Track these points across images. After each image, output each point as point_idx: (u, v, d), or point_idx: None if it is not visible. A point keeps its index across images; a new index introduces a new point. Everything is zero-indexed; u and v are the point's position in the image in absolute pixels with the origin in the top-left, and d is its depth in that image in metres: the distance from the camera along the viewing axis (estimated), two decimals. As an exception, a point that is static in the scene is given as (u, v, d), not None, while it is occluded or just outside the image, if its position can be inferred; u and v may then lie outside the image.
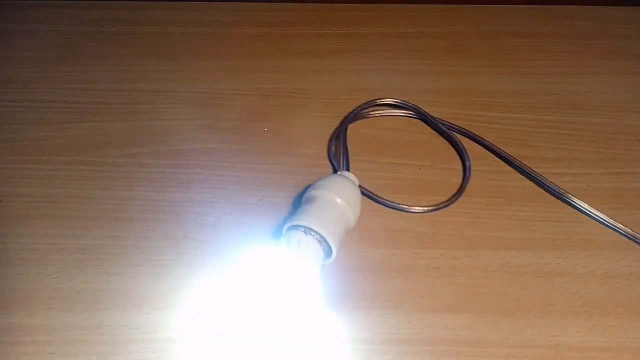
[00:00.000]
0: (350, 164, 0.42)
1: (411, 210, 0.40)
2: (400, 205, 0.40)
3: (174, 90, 0.49)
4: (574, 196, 0.41)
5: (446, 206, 0.41)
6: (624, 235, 0.39)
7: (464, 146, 0.44)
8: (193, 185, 0.42)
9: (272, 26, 0.56)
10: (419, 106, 0.47)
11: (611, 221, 0.40)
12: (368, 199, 0.41)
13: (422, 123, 0.47)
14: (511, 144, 0.45)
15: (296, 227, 0.35)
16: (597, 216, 0.40)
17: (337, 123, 0.46)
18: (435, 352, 0.34)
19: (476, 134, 0.45)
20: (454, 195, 0.41)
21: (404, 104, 0.47)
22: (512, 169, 0.44)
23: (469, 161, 0.43)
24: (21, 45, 0.53)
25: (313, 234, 0.34)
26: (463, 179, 0.42)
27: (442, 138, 0.46)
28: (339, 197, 0.36)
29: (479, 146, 0.45)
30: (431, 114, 0.46)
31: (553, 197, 0.42)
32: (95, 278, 0.36)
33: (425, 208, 0.40)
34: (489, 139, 0.45)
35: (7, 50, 0.53)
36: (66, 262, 0.37)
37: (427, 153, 0.45)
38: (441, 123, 0.46)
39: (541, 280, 0.37)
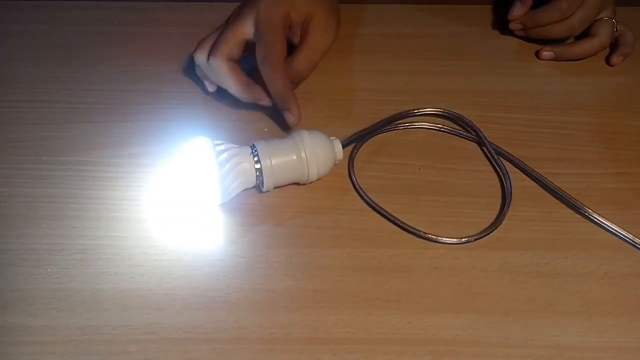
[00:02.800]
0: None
1: (440, 241, 0.39)
2: (428, 235, 0.39)
3: (173, 90, 0.49)
4: (574, 196, 0.41)
5: (478, 239, 0.39)
6: (624, 235, 0.39)
7: (508, 175, 0.42)
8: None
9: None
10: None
11: (611, 222, 0.40)
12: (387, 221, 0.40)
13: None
14: (511, 144, 0.45)
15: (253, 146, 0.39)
16: (597, 216, 0.40)
17: (337, 123, 0.46)
18: (435, 352, 0.34)
19: (476, 132, 0.45)
20: (488, 227, 0.39)
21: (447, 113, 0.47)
22: (512, 169, 0.44)
23: (511, 196, 0.41)
24: (21, 45, 0.53)
25: (255, 153, 0.38)
26: (501, 211, 0.41)
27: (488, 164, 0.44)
28: (304, 152, 0.39)
29: (478, 146, 0.45)
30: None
31: (553, 197, 0.42)
32: (95, 278, 0.36)
33: (455, 240, 0.39)
34: (489, 139, 0.45)
35: (7, 50, 0.53)
36: (66, 262, 0.37)
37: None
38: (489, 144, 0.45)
39: (541, 280, 0.37)
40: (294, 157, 0.39)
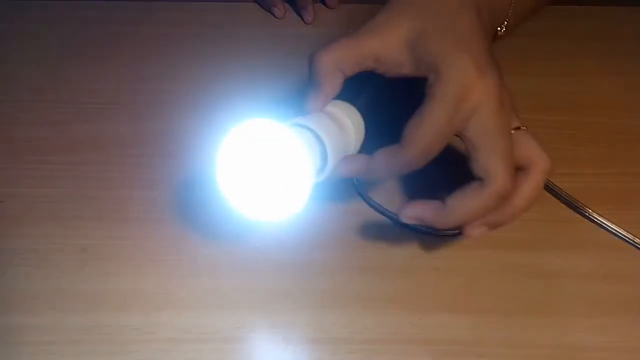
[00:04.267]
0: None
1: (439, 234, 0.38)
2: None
3: (174, 91, 0.49)
4: (574, 196, 0.41)
5: None
6: (624, 235, 0.39)
7: None
8: (193, 185, 0.42)
9: (272, 26, 0.56)
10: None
11: (611, 222, 0.40)
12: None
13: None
14: (511, 144, 0.45)
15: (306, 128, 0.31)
16: (597, 216, 0.40)
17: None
18: (435, 352, 0.34)
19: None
20: None
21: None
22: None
23: None
24: (21, 45, 0.53)
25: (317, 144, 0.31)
26: None
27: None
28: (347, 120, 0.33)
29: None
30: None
31: (553, 197, 0.42)
32: (95, 278, 0.36)
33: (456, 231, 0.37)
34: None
35: (7, 50, 0.53)
36: (66, 262, 0.37)
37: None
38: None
39: (541, 280, 0.37)
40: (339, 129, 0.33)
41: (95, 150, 0.44)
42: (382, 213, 0.40)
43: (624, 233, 0.39)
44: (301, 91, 0.48)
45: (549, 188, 0.42)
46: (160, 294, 0.36)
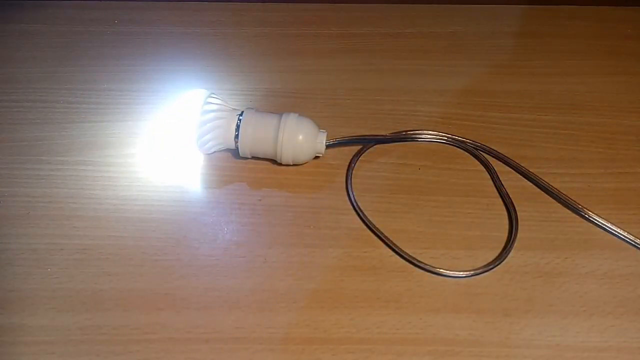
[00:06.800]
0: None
1: (451, 275, 0.37)
2: (438, 270, 0.37)
3: (174, 90, 0.49)
4: (574, 196, 0.41)
5: (490, 269, 0.37)
6: (624, 235, 0.39)
7: (513, 204, 0.41)
8: (193, 185, 0.42)
9: (272, 26, 0.56)
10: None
11: (611, 222, 0.40)
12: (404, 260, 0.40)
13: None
14: (511, 144, 0.45)
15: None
16: (597, 217, 0.40)
17: (336, 123, 0.46)
18: (435, 352, 0.34)
19: (474, 140, 0.45)
20: (498, 256, 0.38)
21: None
22: (511, 169, 0.44)
23: (516, 217, 0.40)
24: (21, 45, 0.53)
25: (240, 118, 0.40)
26: (510, 235, 0.39)
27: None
28: (283, 134, 0.40)
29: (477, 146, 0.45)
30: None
31: (553, 198, 0.42)
32: (95, 278, 0.36)
33: (466, 272, 0.37)
34: (489, 139, 0.45)
35: (7, 50, 0.53)
36: (66, 262, 0.37)
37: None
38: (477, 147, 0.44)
39: (541, 280, 0.37)
40: (271, 135, 0.40)
41: (95, 150, 0.44)
42: (379, 236, 0.39)
43: (624, 233, 0.39)
44: (299, 88, 0.49)
45: (548, 188, 0.42)
46: (160, 294, 0.36)
